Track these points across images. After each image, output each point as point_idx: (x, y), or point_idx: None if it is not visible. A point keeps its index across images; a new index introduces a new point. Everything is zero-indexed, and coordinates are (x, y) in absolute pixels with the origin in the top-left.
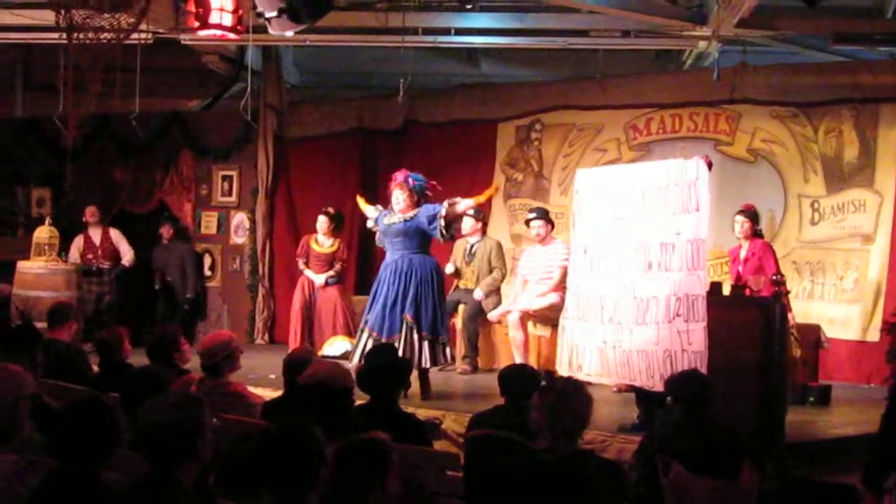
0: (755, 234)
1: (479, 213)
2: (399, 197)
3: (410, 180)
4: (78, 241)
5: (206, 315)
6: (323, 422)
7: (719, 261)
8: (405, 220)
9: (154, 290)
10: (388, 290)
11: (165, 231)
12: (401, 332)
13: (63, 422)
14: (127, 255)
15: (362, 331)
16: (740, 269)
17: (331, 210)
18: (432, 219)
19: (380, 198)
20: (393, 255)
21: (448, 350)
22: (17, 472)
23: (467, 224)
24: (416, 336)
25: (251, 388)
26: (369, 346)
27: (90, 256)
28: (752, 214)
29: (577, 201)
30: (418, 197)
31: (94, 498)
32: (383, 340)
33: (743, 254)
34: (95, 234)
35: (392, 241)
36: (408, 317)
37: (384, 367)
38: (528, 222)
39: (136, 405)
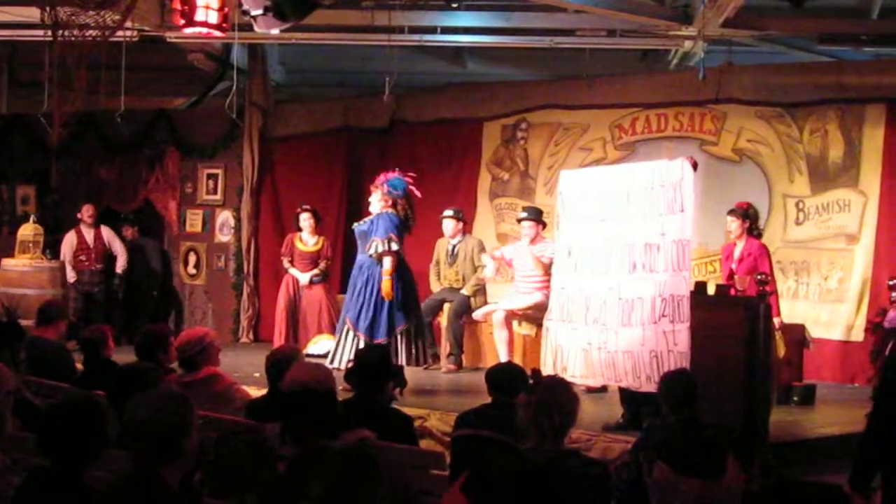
0: (750, 233)
1: (460, 214)
2: (374, 199)
3: (386, 186)
4: (70, 240)
5: (170, 314)
6: (308, 424)
7: (703, 260)
8: (369, 222)
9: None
10: (361, 290)
11: (128, 233)
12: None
13: (53, 420)
14: (121, 256)
15: (341, 330)
16: (733, 266)
17: (307, 207)
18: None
19: (364, 197)
20: (361, 256)
21: (420, 351)
22: (1, 471)
23: (448, 226)
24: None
25: None
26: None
27: (83, 258)
28: (742, 213)
29: (560, 202)
30: (394, 201)
31: (76, 497)
32: (368, 340)
33: (737, 253)
34: (88, 234)
35: (362, 243)
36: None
37: (374, 364)
38: (519, 221)
39: (124, 402)
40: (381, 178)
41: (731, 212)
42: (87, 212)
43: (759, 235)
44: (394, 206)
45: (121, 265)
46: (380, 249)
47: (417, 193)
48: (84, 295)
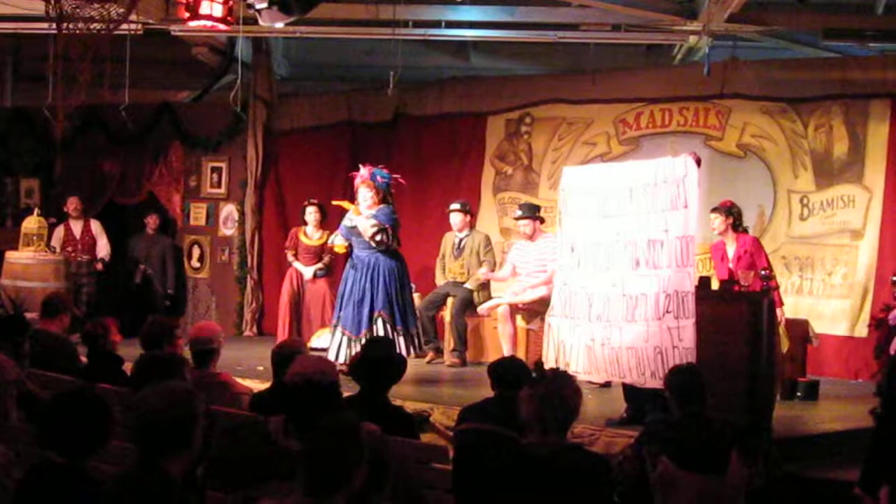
0: (735, 228)
1: (467, 206)
2: (365, 195)
3: (378, 177)
4: (58, 233)
5: (185, 312)
6: (311, 417)
7: (707, 255)
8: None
9: (134, 284)
10: (357, 287)
11: (152, 221)
12: (372, 327)
13: (54, 411)
14: (103, 249)
15: (335, 327)
16: (731, 265)
17: (314, 201)
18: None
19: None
20: (359, 253)
21: (417, 340)
22: (4, 465)
23: (456, 219)
24: (390, 330)
25: (239, 380)
26: (344, 344)
27: (69, 249)
28: (726, 211)
29: (563, 199)
30: (384, 194)
31: (79, 489)
32: (354, 337)
33: (732, 251)
34: (76, 227)
35: (357, 240)
36: (382, 314)
37: (379, 361)
38: (516, 219)
39: None
40: (366, 172)
41: (714, 209)
42: (71, 204)
43: (746, 231)
44: (384, 199)
45: (104, 254)
46: (378, 238)
47: (402, 181)
48: (76, 289)
